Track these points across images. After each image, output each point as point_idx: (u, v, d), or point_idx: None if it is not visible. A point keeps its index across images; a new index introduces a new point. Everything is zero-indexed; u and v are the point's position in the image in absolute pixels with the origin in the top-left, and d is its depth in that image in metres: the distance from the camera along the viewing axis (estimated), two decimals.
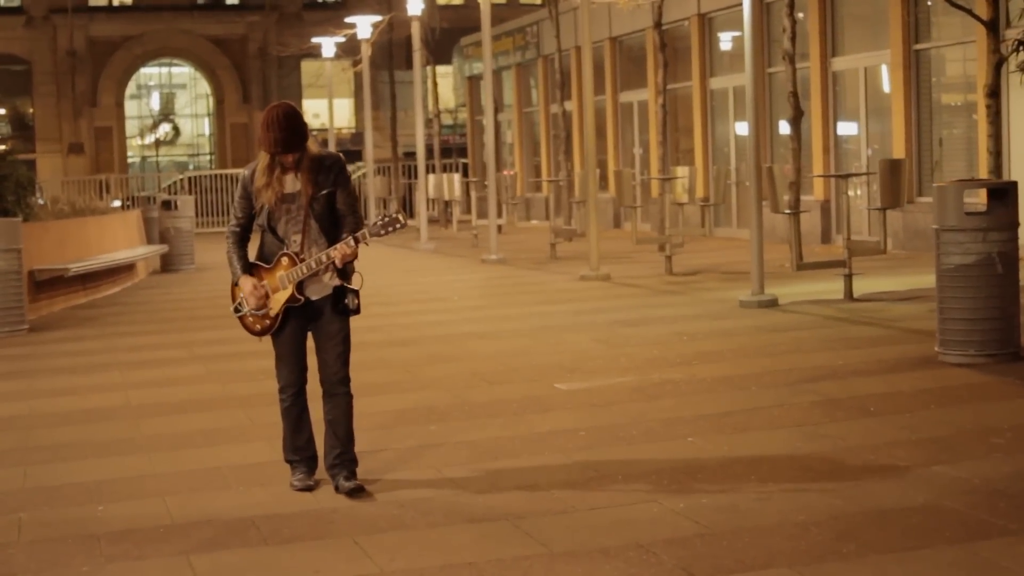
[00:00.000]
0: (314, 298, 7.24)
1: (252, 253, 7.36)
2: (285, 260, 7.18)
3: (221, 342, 13.59)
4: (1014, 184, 10.33)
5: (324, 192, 7.13)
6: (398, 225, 7.12)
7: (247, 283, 7.24)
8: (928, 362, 10.32)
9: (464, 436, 8.59)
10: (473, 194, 30.41)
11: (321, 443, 7.42)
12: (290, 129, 7.03)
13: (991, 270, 10.01)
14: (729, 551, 5.91)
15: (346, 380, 7.32)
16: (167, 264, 24.14)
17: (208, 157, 56.16)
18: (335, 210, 7.18)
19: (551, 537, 6.26)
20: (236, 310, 7.38)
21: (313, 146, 7.21)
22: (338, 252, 7.03)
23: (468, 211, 31.14)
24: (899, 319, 12.85)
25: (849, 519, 6.31)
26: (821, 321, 13.09)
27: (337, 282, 7.22)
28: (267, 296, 7.23)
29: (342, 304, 7.23)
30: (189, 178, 39.64)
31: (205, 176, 39.67)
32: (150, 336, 14.74)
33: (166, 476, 7.93)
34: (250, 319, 7.35)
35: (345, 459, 7.30)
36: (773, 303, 14.25)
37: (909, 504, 6.52)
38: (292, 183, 7.16)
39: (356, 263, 7.26)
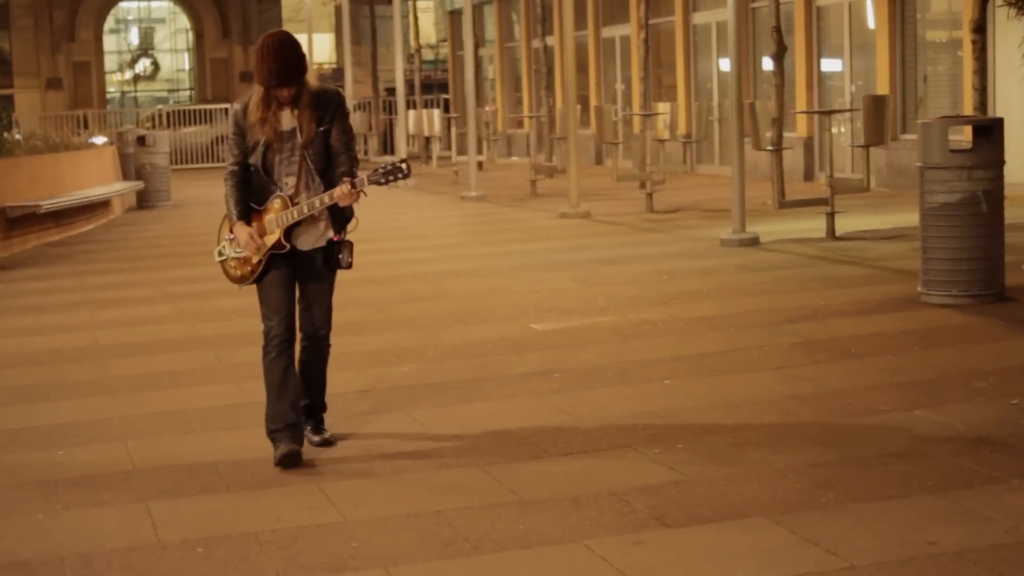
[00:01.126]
0: (305, 248, 6.72)
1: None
2: (278, 203, 6.61)
3: (193, 281, 13.37)
4: (1000, 121, 10.14)
5: (321, 130, 6.58)
6: (401, 175, 6.53)
7: (243, 231, 6.62)
8: (911, 303, 10.15)
9: (436, 378, 8.40)
10: (454, 130, 30.09)
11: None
12: (287, 60, 6.42)
13: (976, 209, 9.83)
14: (704, 499, 5.74)
15: (329, 334, 6.90)
16: (143, 201, 23.82)
17: (188, 92, 55.67)
18: (330, 149, 6.64)
19: (521, 484, 6.08)
20: (219, 253, 6.81)
21: (313, 80, 6.63)
22: (334, 197, 6.47)
23: (448, 147, 30.82)
24: (882, 258, 12.68)
25: (828, 466, 6.14)
26: (803, 260, 12.91)
27: (332, 235, 6.70)
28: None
29: (335, 260, 6.72)
30: (167, 113, 39.19)
31: (185, 111, 39.24)
32: (122, 274, 14.52)
33: (130, 419, 7.73)
34: (231, 263, 6.78)
35: (315, 409, 6.97)
36: (754, 241, 14.09)
37: (890, 450, 6.36)
38: (289, 120, 6.58)
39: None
